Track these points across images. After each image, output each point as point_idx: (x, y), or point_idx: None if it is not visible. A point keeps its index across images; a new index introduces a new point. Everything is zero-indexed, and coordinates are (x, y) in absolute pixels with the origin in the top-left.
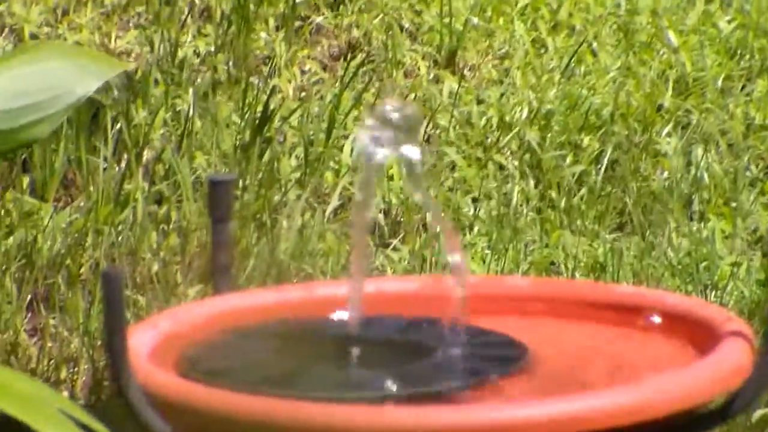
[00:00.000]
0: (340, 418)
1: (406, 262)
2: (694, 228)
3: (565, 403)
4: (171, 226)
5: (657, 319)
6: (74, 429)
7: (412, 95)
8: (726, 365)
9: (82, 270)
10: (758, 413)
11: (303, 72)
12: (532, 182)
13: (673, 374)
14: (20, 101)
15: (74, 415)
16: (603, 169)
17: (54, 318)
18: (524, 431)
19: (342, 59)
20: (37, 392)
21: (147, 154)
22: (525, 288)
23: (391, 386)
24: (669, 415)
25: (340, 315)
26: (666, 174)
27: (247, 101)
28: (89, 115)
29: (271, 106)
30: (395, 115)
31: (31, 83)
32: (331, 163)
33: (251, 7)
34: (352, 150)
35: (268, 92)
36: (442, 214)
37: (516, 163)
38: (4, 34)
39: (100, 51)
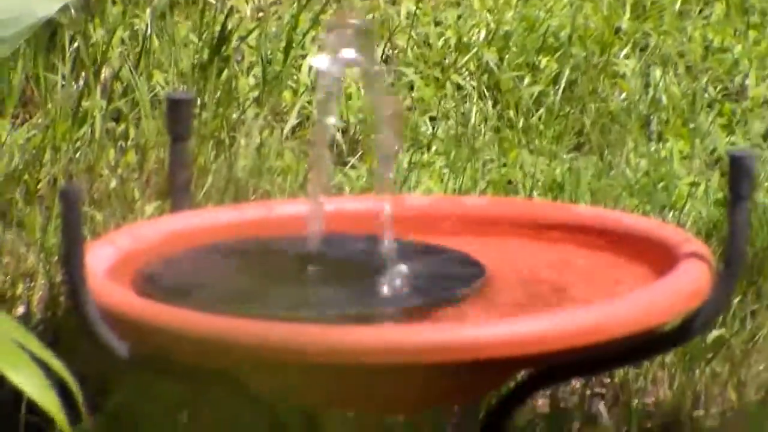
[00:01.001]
0: (296, 337)
1: (363, 180)
2: (653, 148)
3: (522, 324)
4: (129, 143)
5: (616, 240)
6: (28, 363)
7: (370, 16)
8: (684, 286)
9: (40, 186)
10: (713, 334)
11: None
12: (490, 102)
13: (632, 295)
14: None
15: (29, 347)
16: (561, 89)
17: (10, 234)
18: (480, 351)
19: None
20: None
21: (105, 72)
22: (483, 207)
23: (348, 305)
24: (626, 336)
25: (298, 233)
26: (624, 95)
27: (204, 21)
28: (47, 34)
29: (229, 26)
30: (349, 29)
31: None
32: (290, 83)
33: None
34: (310, 69)
35: (225, 12)
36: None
37: (474, 83)
38: None
39: None
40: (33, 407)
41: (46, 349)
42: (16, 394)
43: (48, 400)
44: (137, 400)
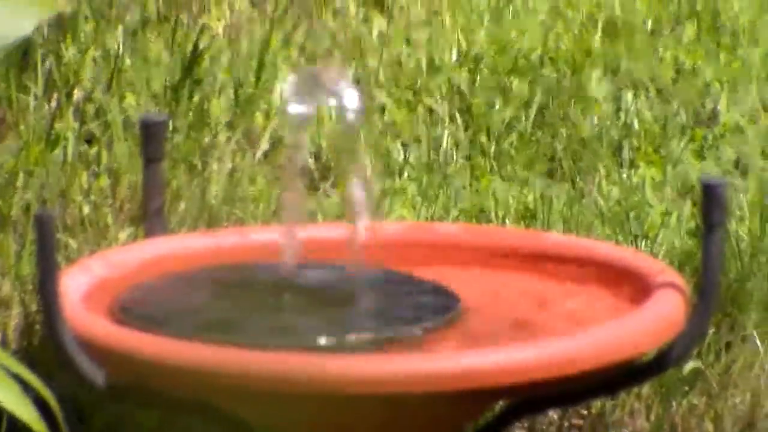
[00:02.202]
0: (273, 366)
1: (336, 207)
2: (624, 175)
3: (498, 354)
4: (101, 167)
5: (590, 270)
6: (6, 379)
7: (341, 35)
8: (660, 317)
9: (13, 212)
10: (689, 366)
11: (232, 11)
12: (462, 127)
13: (606, 326)
14: None
15: (5, 364)
16: (533, 114)
17: None
18: (451, 382)
19: None
20: None
21: (77, 93)
22: (456, 235)
23: (324, 334)
24: (603, 368)
25: (273, 261)
26: (596, 119)
27: (176, 40)
28: (19, 53)
29: (201, 46)
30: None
31: None
32: (262, 104)
33: None
34: (281, 92)
35: (197, 31)
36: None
37: (446, 106)
38: None
39: None
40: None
41: (22, 366)
42: None
43: (26, 412)
44: (116, 428)
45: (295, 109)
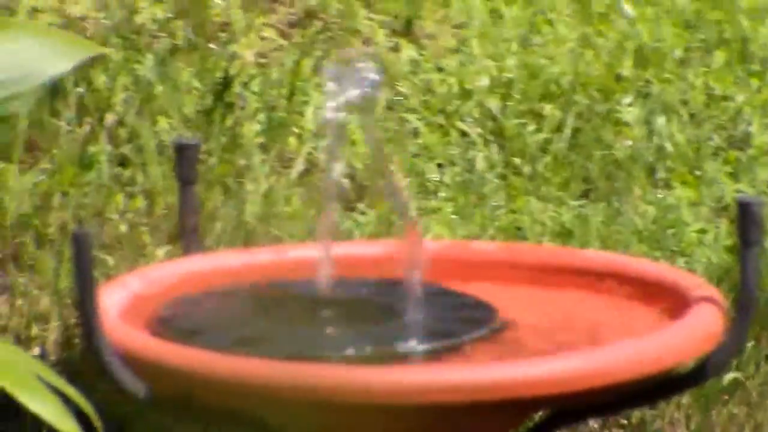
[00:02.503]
0: (312, 378)
1: (372, 226)
2: (660, 195)
3: (539, 365)
4: (136, 188)
5: (627, 285)
6: (46, 392)
7: (371, 63)
8: (698, 329)
9: (50, 230)
10: (729, 376)
11: (262, 39)
12: (495, 149)
13: (647, 337)
14: None
15: (45, 378)
16: (566, 137)
17: (23, 277)
18: (494, 393)
19: (299, 27)
20: (9, 354)
21: (109, 118)
22: (493, 252)
23: (362, 347)
24: (642, 378)
25: (309, 277)
26: (629, 142)
27: (206, 67)
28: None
29: (231, 72)
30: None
31: (3, 61)
32: (294, 129)
33: None
34: (314, 116)
35: (227, 58)
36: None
37: (479, 130)
38: None
39: (57, 17)
40: None
41: (61, 379)
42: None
43: (66, 425)
44: None
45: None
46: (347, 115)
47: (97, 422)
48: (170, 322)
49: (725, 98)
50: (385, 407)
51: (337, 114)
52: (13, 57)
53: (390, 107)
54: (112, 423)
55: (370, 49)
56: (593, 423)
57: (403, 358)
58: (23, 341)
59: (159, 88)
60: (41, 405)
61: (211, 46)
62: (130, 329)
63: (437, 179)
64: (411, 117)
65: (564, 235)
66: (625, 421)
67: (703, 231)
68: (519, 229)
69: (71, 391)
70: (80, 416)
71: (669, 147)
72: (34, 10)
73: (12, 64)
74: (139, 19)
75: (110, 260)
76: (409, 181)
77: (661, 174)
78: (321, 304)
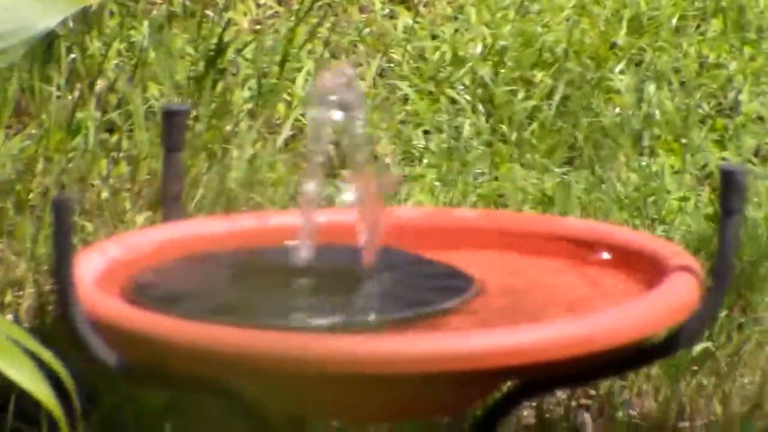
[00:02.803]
0: (285, 347)
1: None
2: (644, 163)
3: (508, 335)
4: (121, 155)
5: (606, 253)
6: (19, 355)
7: (367, 30)
8: (673, 299)
9: (32, 196)
10: (699, 347)
11: (258, 5)
12: (483, 116)
13: (621, 306)
14: None
15: (20, 340)
16: (555, 104)
17: (1, 242)
18: (468, 362)
19: None
20: None
21: (100, 84)
22: (474, 220)
23: (336, 315)
24: (613, 348)
25: (290, 244)
26: (617, 110)
27: (201, 33)
28: (44, 45)
29: (226, 39)
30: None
31: None
32: (284, 95)
33: None
34: (304, 82)
35: (223, 25)
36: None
37: (468, 97)
38: None
39: None
40: (20, 413)
41: (37, 344)
42: (3, 400)
43: (39, 389)
44: (126, 408)
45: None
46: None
47: (71, 386)
48: (146, 290)
49: (717, 66)
50: (355, 376)
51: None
52: (3, 11)
53: (381, 74)
54: (83, 392)
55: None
56: (561, 394)
57: (376, 328)
58: None
59: (152, 55)
60: (15, 369)
61: (208, 12)
62: (103, 296)
63: (423, 146)
64: (402, 84)
65: (545, 202)
66: (593, 392)
67: (684, 199)
68: (501, 196)
69: (46, 354)
70: (54, 383)
71: (657, 115)
72: None
73: (1, 19)
74: None
75: (89, 226)
76: (394, 148)
77: (646, 142)
78: (298, 272)
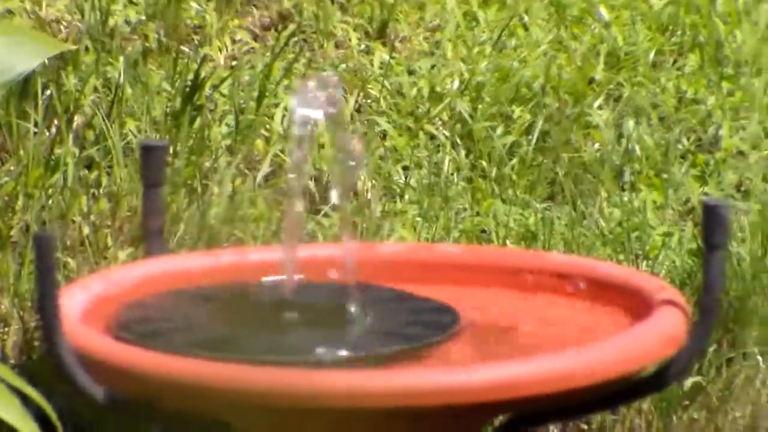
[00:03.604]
0: (273, 382)
1: (336, 228)
2: (626, 198)
3: (499, 369)
4: (101, 191)
5: (591, 287)
6: (5, 392)
7: (343, 66)
8: (661, 333)
9: (13, 232)
10: (690, 381)
11: (234, 41)
12: (463, 152)
13: (607, 341)
14: None
15: (5, 378)
16: (534, 140)
17: None
18: (452, 396)
19: (273, 29)
20: None
21: (77, 120)
22: (457, 255)
23: (325, 350)
24: (603, 382)
25: (272, 280)
26: (597, 145)
27: (177, 69)
28: (20, 82)
29: (202, 74)
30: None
31: None
32: (262, 131)
33: None
34: (282, 118)
35: (198, 61)
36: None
37: (447, 133)
38: None
39: (31, 19)
40: None
41: (22, 380)
42: None
43: (26, 426)
44: None
45: (300, 116)
46: (314, 122)
47: (57, 423)
48: (131, 325)
49: (696, 101)
50: (344, 411)
51: (304, 120)
52: None
53: (359, 110)
54: (72, 427)
55: (341, 53)
56: (553, 428)
57: (365, 363)
58: None
59: (129, 91)
60: (2, 407)
61: (183, 48)
62: (90, 332)
63: (402, 182)
64: (380, 120)
65: (528, 237)
66: (585, 426)
67: (668, 234)
68: (483, 231)
69: (31, 391)
70: (40, 419)
71: (637, 150)
72: (9, 12)
73: None
74: (112, 21)
75: (72, 263)
76: (374, 184)
77: (627, 177)
78: (282, 307)
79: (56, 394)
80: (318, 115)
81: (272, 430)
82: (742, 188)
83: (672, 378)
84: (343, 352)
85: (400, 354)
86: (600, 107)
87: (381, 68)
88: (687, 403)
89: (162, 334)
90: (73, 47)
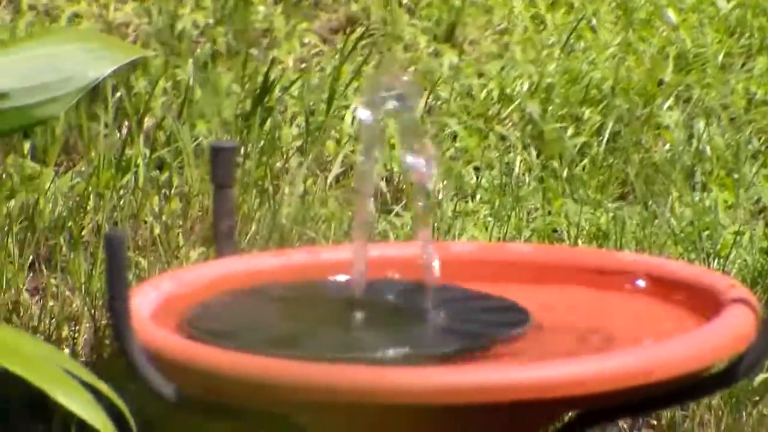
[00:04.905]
0: (343, 379)
1: (408, 227)
2: (697, 198)
3: (570, 366)
4: (173, 191)
5: (661, 286)
6: (77, 387)
7: (412, 68)
8: (730, 330)
9: (84, 232)
10: (760, 377)
11: (303, 44)
12: (534, 152)
13: (678, 338)
14: (34, 81)
15: (77, 374)
16: (605, 140)
17: (55, 278)
18: (528, 393)
19: (341, 33)
20: (41, 351)
21: (147, 122)
22: (529, 254)
23: (394, 348)
24: (673, 379)
25: (342, 278)
26: (668, 146)
27: (246, 72)
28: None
29: (272, 77)
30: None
31: (45, 65)
32: (333, 133)
33: None
34: (353, 120)
35: (268, 64)
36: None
37: (517, 134)
38: (3, 4)
39: (98, 23)
40: None
41: (95, 377)
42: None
43: (99, 420)
44: None
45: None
46: (384, 119)
47: (129, 418)
48: (201, 324)
49: (766, 103)
50: (414, 407)
51: (375, 118)
52: (55, 61)
53: (429, 112)
54: (141, 426)
55: (410, 55)
56: (622, 423)
57: (433, 360)
58: (53, 342)
59: (198, 93)
60: (74, 401)
61: (252, 51)
62: (160, 330)
63: (474, 182)
64: (450, 121)
65: (600, 237)
66: (655, 422)
67: (739, 233)
68: (555, 231)
69: (104, 386)
70: (111, 415)
71: (708, 150)
72: (76, 16)
73: (54, 68)
74: (180, 25)
75: (143, 262)
76: (445, 184)
77: (698, 177)
78: (353, 306)
79: (126, 392)
80: (389, 113)
81: (340, 429)
82: None
83: (742, 374)
84: (410, 350)
85: (468, 352)
86: (670, 108)
87: (450, 70)
88: (757, 398)
89: (231, 333)
90: (149, 53)
